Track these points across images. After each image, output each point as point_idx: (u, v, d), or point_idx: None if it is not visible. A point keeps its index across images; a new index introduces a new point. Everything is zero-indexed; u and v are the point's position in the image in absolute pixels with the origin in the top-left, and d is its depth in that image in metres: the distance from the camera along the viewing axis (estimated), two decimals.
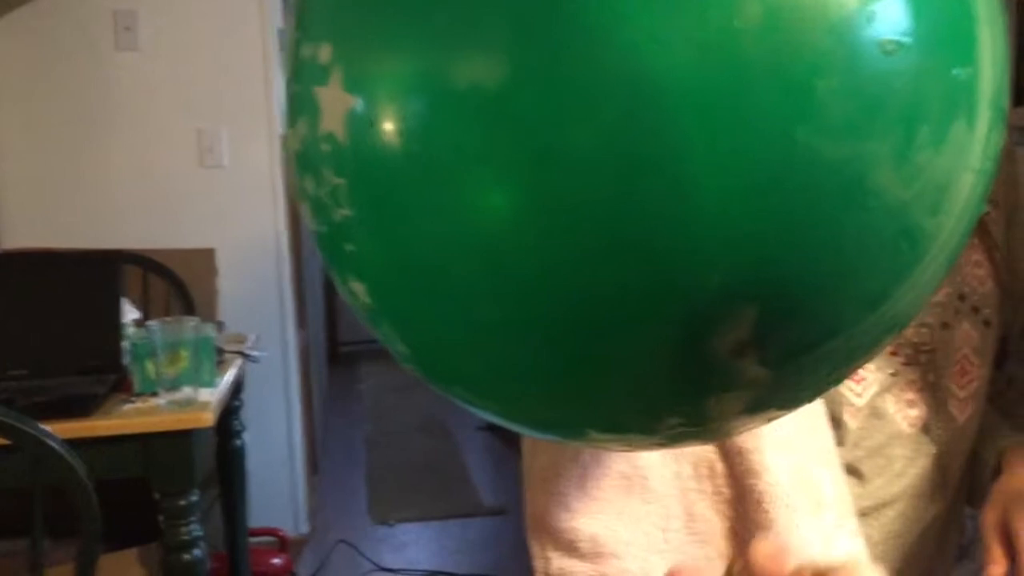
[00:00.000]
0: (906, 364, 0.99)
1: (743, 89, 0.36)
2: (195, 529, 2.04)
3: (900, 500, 1.00)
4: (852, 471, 0.96)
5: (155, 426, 2.00)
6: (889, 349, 0.97)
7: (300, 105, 0.45)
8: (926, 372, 0.99)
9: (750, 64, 0.36)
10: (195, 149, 3.32)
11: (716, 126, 0.37)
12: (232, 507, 2.78)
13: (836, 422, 0.94)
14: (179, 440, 2.01)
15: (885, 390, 0.98)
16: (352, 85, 0.41)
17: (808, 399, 0.49)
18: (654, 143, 0.37)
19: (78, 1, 3.20)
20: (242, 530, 2.81)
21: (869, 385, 0.97)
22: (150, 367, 2.09)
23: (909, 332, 0.98)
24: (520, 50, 0.38)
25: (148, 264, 2.95)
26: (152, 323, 2.07)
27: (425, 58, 0.40)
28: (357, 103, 0.41)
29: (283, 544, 3.37)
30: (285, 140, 0.48)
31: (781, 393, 0.45)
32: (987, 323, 1.02)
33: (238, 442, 2.75)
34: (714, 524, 0.75)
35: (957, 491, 1.07)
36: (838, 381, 0.49)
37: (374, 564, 3.51)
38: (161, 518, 2.02)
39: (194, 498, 2.04)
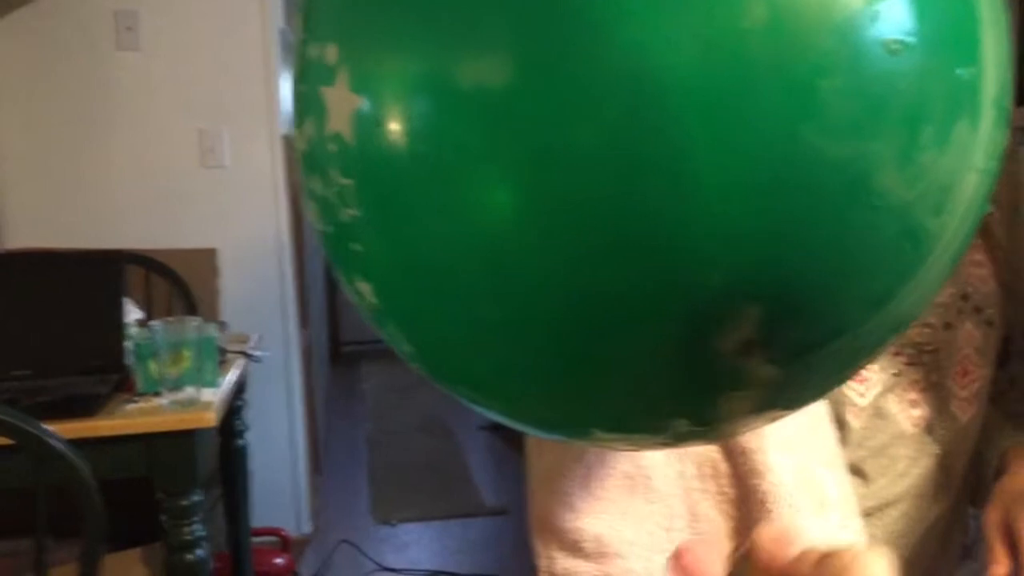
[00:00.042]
0: (909, 364, 0.99)
1: (747, 89, 0.36)
2: (198, 529, 2.04)
3: (903, 500, 1.00)
4: (855, 471, 0.96)
5: (158, 426, 2.00)
6: (892, 349, 0.97)
7: (306, 105, 0.45)
8: (929, 372, 1.00)
9: (754, 64, 0.36)
10: (197, 149, 3.32)
11: (719, 125, 0.37)
12: (235, 507, 2.78)
13: (839, 422, 0.95)
14: (182, 440, 2.01)
15: (888, 390, 0.98)
16: (358, 85, 0.41)
17: (813, 399, 0.49)
18: (657, 142, 0.37)
19: (79, 1, 3.20)
20: (245, 530, 2.81)
21: (872, 385, 0.97)
22: (153, 367, 2.09)
23: (912, 332, 0.98)
24: (524, 50, 0.38)
25: (150, 264, 2.95)
26: (155, 323, 2.07)
27: (430, 58, 0.40)
28: (363, 103, 0.41)
29: (285, 544, 3.37)
30: (292, 140, 0.48)
31: (786, 393, 0.45)
32: (990, 323, 1.02)
33: (241, 442, 2.75)
34: (718, 524, 0.75)
35: (960, 491, 1.07)
36: (843, 381, 0.49)
37: (376, 564, 3.52)
38: (164, 518, 2.02)
39: (197, 498, 2.04)
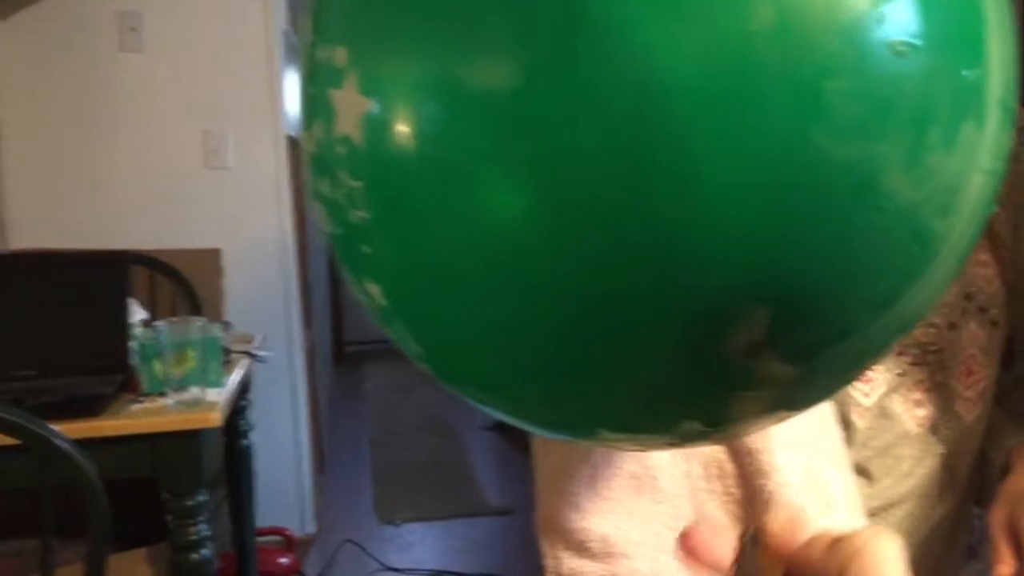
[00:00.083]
0: (913, 364, 0.99)
1: (754, 91, 0.37)
2: (203, 529, 2.04)
3: (908, 500, 1.00)
4: (860, 471, 0.96)
5: (163, 426, 2.00)
6: (896, 349, 0.97)
7: (315, 108, 0.45)
8: (933, 372, 1.00)
9: (761, 66, 0.36)
10: (200, 150, 3.32)
11: (726, 127, 0.37)
12: (239, 507, 2.79)
13: (845, 422, 0.95)
14: (187, 440, 2.01)
15: (893, 390, 0.98)
16: (367, 88, 0.41)
17: (821, 399, 0.49)
18: (664, 144, 0.37)
19: (83, 2, 3.21)
20: (249, 530, 2.82)
21: (877, 385, 0.97)
22: (158, 367, 2.09)
23: (916, 332, 0.98)
24: (532, 52, 0.38)
25: (155, 264, 2.95)
26: (159, 323, 2.08)
27: (439, 61, 0.40)
28: (373, 106, 0.41)
29: (290, 544, 3.38)
30: (296, 141, 0.48)
31: (794, 393, 0.45)
32: (994, 323, 1.02)
33: (245, 442, 2.76)
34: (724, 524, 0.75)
35: (965, 491, 1.07)
36: (850, 381, 0.49)
37: (380, 564, 3.52)
38: (169, 518, 2.03)
39: (202, 498, 2.04)
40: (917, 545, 1.02)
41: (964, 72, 0.39)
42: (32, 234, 3.21)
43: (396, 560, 3.55)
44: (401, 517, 3.93)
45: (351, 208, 0.44)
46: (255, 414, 2.86)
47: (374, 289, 0.46)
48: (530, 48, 0.38)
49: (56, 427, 1.67)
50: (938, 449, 1.01)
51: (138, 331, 2.25)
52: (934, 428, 1.00)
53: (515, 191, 0.40)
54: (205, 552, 2.04)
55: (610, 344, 0.42)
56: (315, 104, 0.45)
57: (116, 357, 2.23)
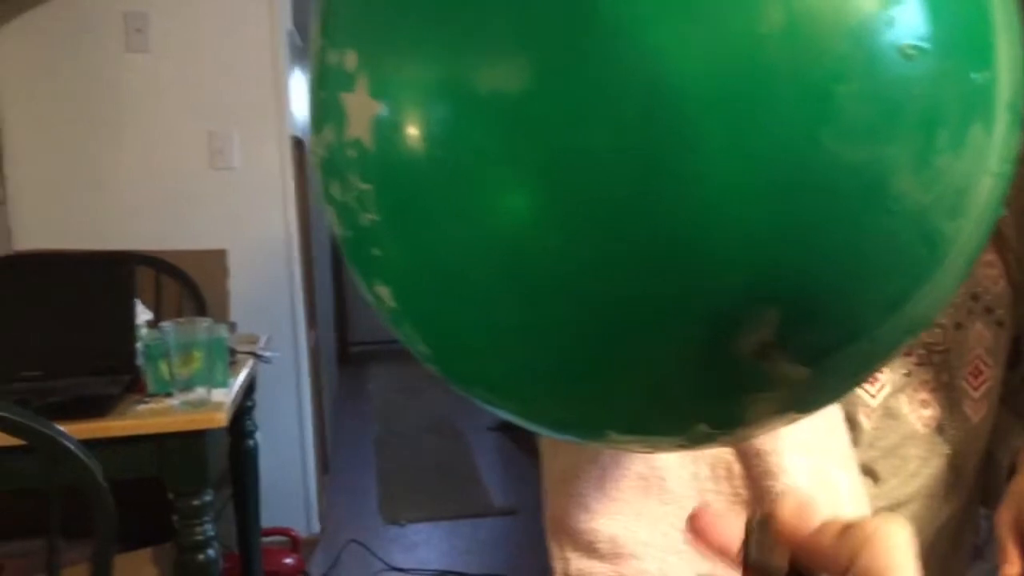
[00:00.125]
0: (919, 364, 0.99)
1: (764, 93, 0.37)
2: (209, 529, 2.05)
3: (914, 500, 1.00)
4: (867, 471, 0.96)
5: (169, 426, 2.01)
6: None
7: (326, 112, 0.45)
8: (940, 372, 1.00)
9: (771, 69, 0.37)
10: (206, 151, 3.33)
11: (735, 130, 0.37)
12: (244, 507, 2.79)
13: (851, 422, 0.95)
14: (193, 440, 2.02)
15: (899, 390, 0.98)
16: (378, 91, 0.42)
17: (830, 401, 0.49)
18: (673, 146, 0.37)
19: (89, 3, 3.21)
20: (255, 530, 2.82)
21: (883, 385, 0.97)
22: (164, 368, 2.10)
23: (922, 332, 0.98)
24: (541, 54, 0.38)
25: (160, 265, 2.96)
26: (165, 324, 2.08)
27: (448, 64, 0.40)
28: (383, 109, 0.41)
29: (295, 544, 3.38)
30: (310, 146, 0.48)
31: (804, 395, 0.45)
32: (1000, 323, 1.02)
33: (251, 442, 2.76)
34: None
35: (971, 491, 1.07)
36: (859, 383, 0.49)
37: (385, 564, 3.52)
38: (175, 518, 2.03)
39: (208, 498, 2.05)
40: (923, 545, 1.02)
41: (973, 75, 0.39)
42: (37, 235, 3.22)
43: (401, 560, 3.55)
44: (406, 517, 3.93)
45: (361, 211, 0.44)
46: (260, 414, 2.86)
47: (384, 291, 0.46)
48: (538, 50, 0.38)
49: (62, 427, 1.67)
50: (944, 449, 1.01)
51: (144, 332, 2.26)
52: (940, 428, 1.00)
53: (524, 193, 0.40)
54: (210, 552, 2.05)
55: (619, 345, 0.42)
56: (325, 108, 0.45)
57: (122, 358, 2.24)
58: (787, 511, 0.41)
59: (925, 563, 0.99)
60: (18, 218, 3.22)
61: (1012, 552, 0.92)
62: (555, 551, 0.76)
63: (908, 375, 0.98)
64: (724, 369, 0.42)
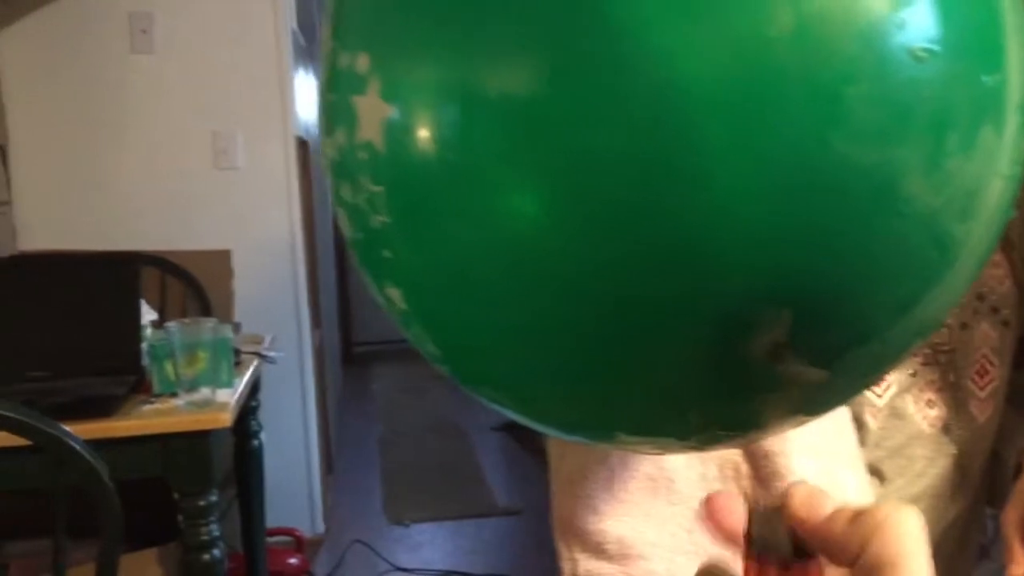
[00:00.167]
0: (925, 364, 0.99)
1: (774, 96, 0.37)
2: (214, 529, 2.05)
3: (921, 500, 1.00)
4: (873, 471, 0.96)
5: (174, 426, 2.01)
6: None
7: (337, 114, 0.45)
8: (946, 372, 1.00)
9: (781, 71, 0.37)
10: (210, 151, 3.33)
11: (745, 132, 0.37)
12: (249, 507, 2.79)
13: (857, 422, 0.95)
14: (198, 441, 2.02)
15: (905, 390, 0.98)
16: (389, 94, 0.42)
17: (840, 403, 0.49)
18: (683, 148, 0.37)
19: (93, 4, 3.22)
20: (259, 530, 2.82)
21: (889, 385, 0.97)
22: (169, 368, 2.10)
23: None
24: (550, 57, 0.38)
25: (165, 266, 2.97)
26: (171, 324, 2.08)
27: (459, 67, 0.40)
28: (394, 112, 0.42)
29: (299, 544, 3.38)
30: (321, 148, 0.48)
31: (814, 397, 0.45)
32: (1006, 323, 1.02)
33: (255, 442, 2.77)
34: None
35: (978, 491, 1.07)
36: (870, 385, 0.49)
37: (390, 564, 3.53)
38: (180, 518, 2.03)
39: (213, 498, 2.05)
40: (930, 545, 1.02)
41: (984, 78, 0.39)
42: (42, 236, 3.22)
43: (405, 560, 3.55)
44: (410, 517, 3.94)
45: (372, 213, 0.44)
46: (264, 415, 2.86)
47: (394, 293, 0.46)
48: (547, 53, 0.39)
49: (68, 428, 1.68)
50: (950, 449, 1.01)
51: (149, 332, 2.26)
52: (946, 428, 1.00)
53: (533, 195, 0.40)
54: (215, 552, 2.05)
55: (629, 347, 0.42)
56: (336, 110, 0.45)
57: (128, 358, 2.24)
58: (798, 501, 0.41)
59: (932, 563, 0.99)
60: (23, 218, 3.23)
61: (1019, 552, 0.92)
62: (563, 552, 0.76)
63: (914, 375, 0.98)
64: (734, 371, 0.42)
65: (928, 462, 1.00)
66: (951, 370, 1.00)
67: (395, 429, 5.30)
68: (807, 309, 0.40)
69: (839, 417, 0.79)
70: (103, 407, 2.01)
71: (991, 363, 1.01)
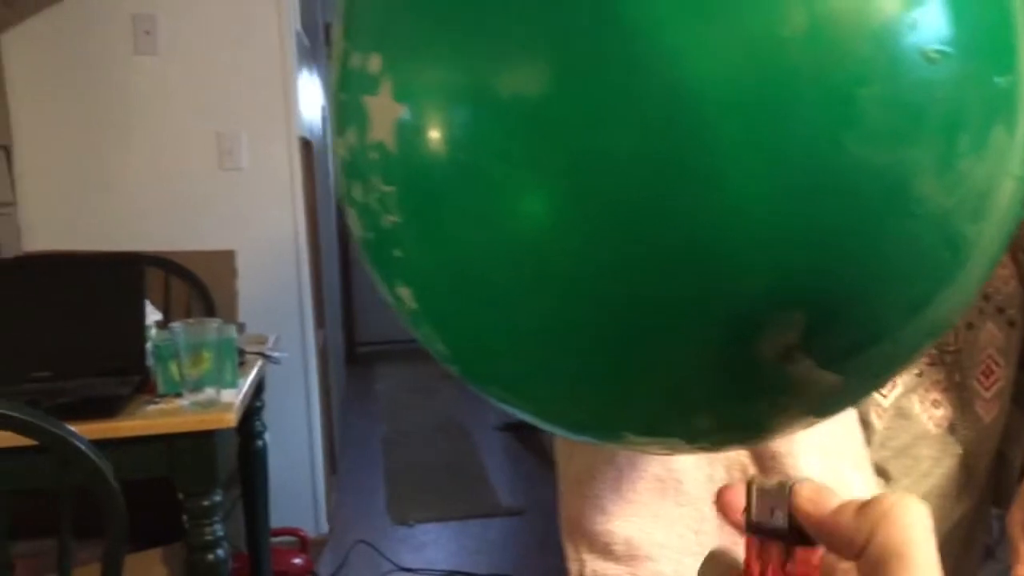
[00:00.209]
0: (931, 364, 0.99)
1: (786, 97, 0.37)
2: (218, 529, 2.05)
3: (926, 500, 1.00)
4: (879, 471, 0.96)
5: (179, 427, 2.01)
6: None
7: (348, 114, 0.45)
8: (951, 372, 1.00)
9: (794, 72, 0.37)
10: (215, 152, 3.34)
11: (757, 133, 0.37)
12: (254, 507, 2.79)
13: (863, 422, 0.95)
14: (203, 441, 2.03)
15: (910, 390, 0.98)
16: (401, 94, 0.42)
17: (851, 404, 0.49)
18: (694, 149, 0.37)
19: (97, 5, 3.22)
20: (264, 530, 2.83)
21: (895, 385, 0.97)
22: (173, 368, 2.10)
23: None
24: (561, 58, 0.38)
25: (169, 266, 2.97)
26: (175, 325, 2.08)
27: (470, 68, 0.40)
28: (406, 112, 0.42)
29: (303, 544, 3.39)
30: (333, 148, 0.49)
31: (824, 398, 0.45)
32: (1011, 323, 1.02)
33: (260, 443, 2.77)
34: None
35: (983, 491, 1.07)
36: (881, 386, 0.49)
37: (393, 564, 3.53)
38: (185, 518, 2.04)
39: (217, 498, 2.06)
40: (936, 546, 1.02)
41: (996, 79, 0.39)
42: (47, 237, 3.23)
43: (409, 560, 3.56)
44: (414, 517, 3.94)
45: (383, 212, 0.44)
46: (268, 415, 2.86)
47: (404, 292, 0.47)
48: (558, 53, 0.39)
49: (73, 428, 1.68)
50: (956, 449, 1.01)
51: (154, 332, 2.26)
52: (952, 428, 1.00)
53: (544, 196, 0.40)
54: (220, 552, 2.06)
55: (639, 348, 0.42)
56: (348, 110, 0.45)
57: (132, 358, 2.25)
58: (803, 498, 0.41)
59: (937, 554, 0.99)
60: (28, 219, 3.23)
61: None
62: (570, 552, 0.76)
63: (920, 375, 0.98)
64: (744, 372, 0.42)
65: (934, 462, 1.00)
66: (957, 370, 1.00)
67: (399, 429, 5.31)
68: (819, 310, 0.40)
69: (846, 418, 0.79)
70: (108, 407, 2.01)
71: (997, 363, 1.01)
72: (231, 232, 3.34)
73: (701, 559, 0.46)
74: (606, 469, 0.75)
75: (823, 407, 0.47)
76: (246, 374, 2.34)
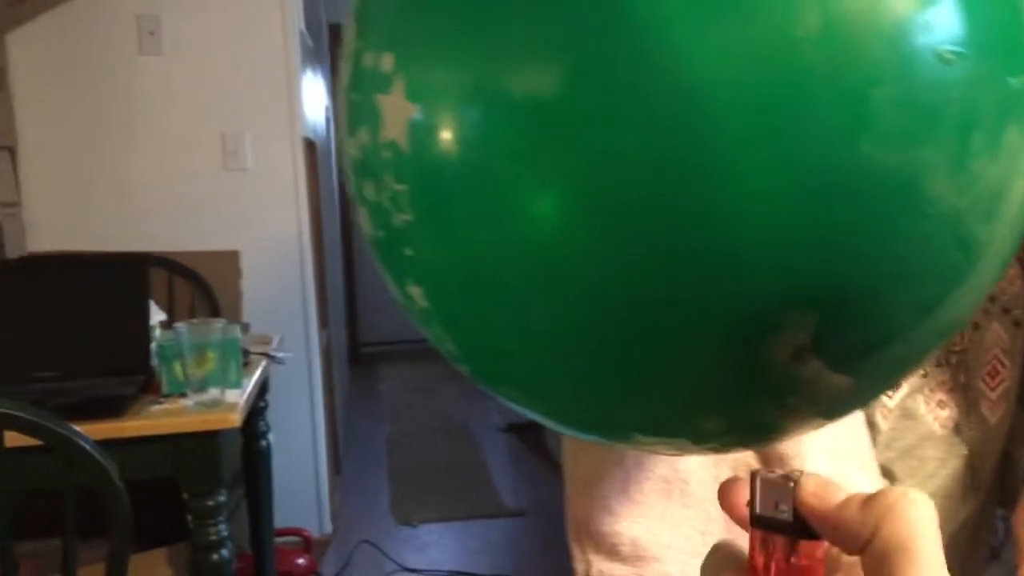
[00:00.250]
0: (936, 365, 0.99)
1: (799, 98, 0.37)
2: (223, 529, 2.06)
3: (932, 501, 1.00)
4: (884, 472, 0.96)
5: (183, 427, 2.02)
6: None
7: (360, 113, 0.45)
8: (957, 373, 0.99)
9: (807, 73, 0.36)
10: (219, 152, 3.34)
11: (770, 133, 0.37)
12: (258, 507, 2.80)
13: (869, 423, 0.95)
14: (207, 441, 2.03)
15: (916, 391, 0.98)
16: (414, 94, 0.42)
17: (860, 405, 0.49)
18: (705, 149, 0.37)
19: (102, 6, 3.23)
20: (268, 530, 2.83)
21: (900, 386, 0.97)
22: (178, 368, 2.11)
23: None
24: (570, 57, 0.38)
25: (173, 267, 2.97)
26: (180, 325, 2.09)
27: (482, 67, 0.40)
28: (418, 111, 0.42)
29: (307, 544, 3.39)
30: (344, 147, 0.49)
31: (835, 399, 0.45)
32: (1017, 324, 1.02)
33: (264, 443, 2.77)
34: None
35: (988, 492, 1.07)
36: (891, 387, 0.49)
37: (397, 564, 3.53)
38: (190, 518, 2.04)
39: (222, 498, 2.06)
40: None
41: (1010, 79, 0.39)
42: (51, 237, 3.23)
43: (413, 561, 3.56)
44: (417, 518, 3.94)
45: (395, 211, 0.44)
46: (272, 415, 2.87)
47: (416, 291, 0.47)
48: (569, 53, 0.39)
49: (78, 428, 1.68)
50: (962, 450, 1.01)
51: (158, 333, 2.27)
52: (958, 429, 1.00)
53: (554, 195, 0.40)
54: (224, 552, 2.06)
55: (649, 349, 0.42)
56: (360, 110, 0.45)
57: (137, 358, 2.25)
58: (807, 493, 0.41)
59: (942, 548, 0.99)
60: (32, 219, 3.24)
61: None
62: (577, 553, 0.76)
63: (925, 376, 0.98)
64: (754, 373, 0.42)
65: (939, 463, 1.00)
66: (962, 371, 1.00)
67: (402, 430, 5.31)
68: (829, 311, 0.40)
69: (853, 419, 0.79)
70: (112, 407, 2.02)
71: (1002, 364, 1.01)
72: (235, 232, 3.35)
73: None
74: (613, 470, 0.75)
75: (833, 409, 0.47)
76: (250, 374, 2.34)
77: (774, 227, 0.38)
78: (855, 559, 0.39)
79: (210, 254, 3.25)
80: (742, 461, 0.75)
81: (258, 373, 2.41)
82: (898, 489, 0.39)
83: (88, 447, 1.65)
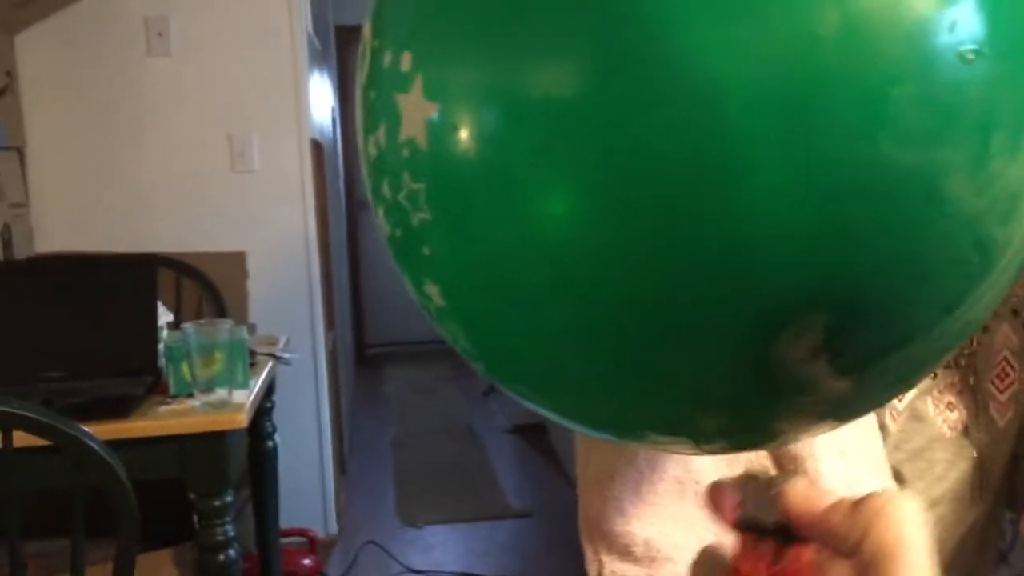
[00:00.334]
0: (945, 367, 0.99)
1: (819, 96, 0.37)
2: (229, 529, 2.06)
3: (940, 504, 1.00)
4: (894, 474, 0.96)
5: (190, 427, 2.02)
6: None
7: (379, 112, 0.45)
8: (966, 375, 0.99)
9: (827, 72, 0.36)
10: (226, 154, 3.34)
11: (789, 132, 0.37)
12: (264, 508, 2.80)
13: (879, 425, 0.95)
14: (214, 441, 2.03)
15: (925, 393, 0.98)
16: (433, 93, 0.42)
17: (874, 407, 0.49)
18: (723, 149, 0.37)
19: (110, 7, 3.23)
20: (274, 531, 2.83)
21: None
22: (185, 369, 2.11)
23: None
24: (590, 58, 0.39)
25: (181, 267, 2.98)
26: (187, 326, 2.09)
27: (501, 66, 0.41)
28: (437, 110, 0.42)
29: (313, 545, 3.39)
30: (360, 145, 0.49)
31: (849, 400, 0.45)
32: None
33: (270, 443, 2.77)
34: None
35: (997, 495, 1.06)
36: (905, 389, 0.49)
37: (403, 566, 3.53)
38: (196, 518, 2.04)
39: (228, 499, 2.06)
40: (948, 549, 1.02)
41: None
42: (59, 238, 3.24)
43: (418, 562, 3.56)
44: (423, 519, 3.94)
45: (413, 210, 0.44)
46: (278, 416, 2.87)
47: (432, 289, 0.47)
48: (587, 53, 0.39)
49: (86, 428, 1.68)
50: (971, 452, 1.01)
51: (166, 333, 2.27)
52: (967, 431, 1.00)
53: (571, 195, 0.40)
54: (231, 552, 2.06)
55: (664, 348, 0.42)
56: (378, 108, 0.45)
57: (145, 359, 2.25)
58: (796, 497, 0.41)
59: (950, 566, 0.99)
60: (40, 220, 3.24)
61: None
62: (589, 553, 0.76)
63: (934, 378, 0.98)
64: (770, 373, 0.42)
65: (948, 465, 1.00)
66: (971, 373, 0.99)
67: (408, 431, 5.31)
68: (848, 311, 0.40)
69: (865, 421, 0.79)
70: (120, 408, 2.02)
71: (1011, 366, 1.01)
72: (242, 233, 3.35)
73: None
74: (626, 470, 0.75)
75: (847, 409, 0.47)
76: (257, 375, 2.34)
77: (791, 226, 0.38)
78: (841, 564, 0.39)
79: (217, 255, 3.25)
80: (755, 462, 0.75)
81: (264, 374, 2.41)
82: (885, 494, 0.39)
83: (97, 447, 1.65)
